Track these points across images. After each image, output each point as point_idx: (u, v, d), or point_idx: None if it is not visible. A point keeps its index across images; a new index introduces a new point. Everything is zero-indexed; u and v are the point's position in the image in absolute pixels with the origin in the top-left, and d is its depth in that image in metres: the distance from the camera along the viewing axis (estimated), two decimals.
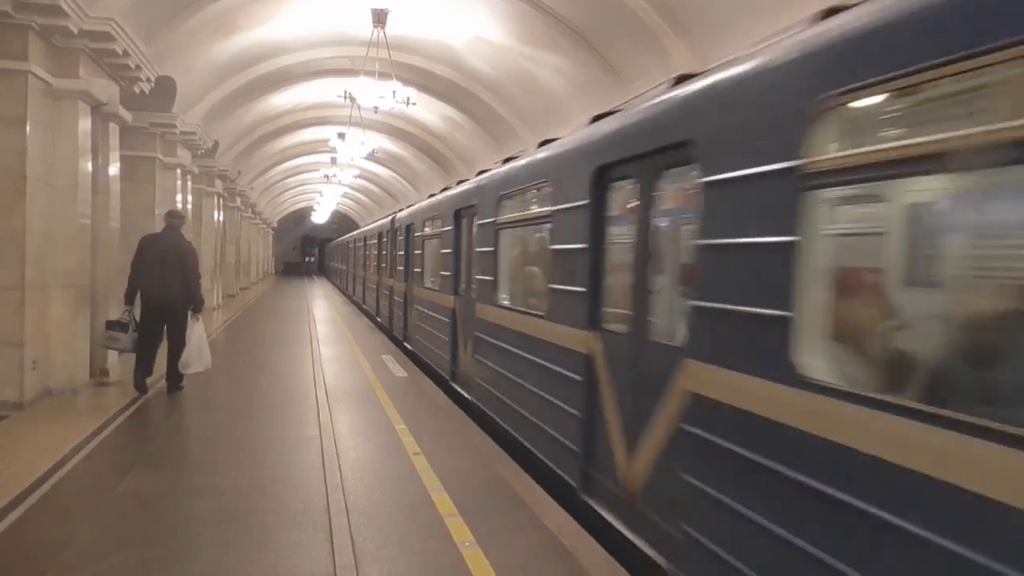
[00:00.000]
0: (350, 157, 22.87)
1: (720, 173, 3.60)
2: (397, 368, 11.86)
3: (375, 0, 12.34)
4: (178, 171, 15.41)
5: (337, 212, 54.23)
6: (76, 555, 4.42)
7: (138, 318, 8.96)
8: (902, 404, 2.50)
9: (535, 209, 7.00)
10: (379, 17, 12.72)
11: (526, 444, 6.67)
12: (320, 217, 53.82)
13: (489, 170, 9.10)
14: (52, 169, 8.62)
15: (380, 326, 18.92)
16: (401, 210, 17.29)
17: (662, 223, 4.67)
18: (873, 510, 2.53)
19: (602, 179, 5.18)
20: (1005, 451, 2.09)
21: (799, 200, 2.99)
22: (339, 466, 6.29)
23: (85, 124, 9.11)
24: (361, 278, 25.62)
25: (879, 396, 2.61)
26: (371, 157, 23.50)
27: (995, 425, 2.14)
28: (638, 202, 4.71)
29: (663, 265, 4.66)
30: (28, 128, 8.01)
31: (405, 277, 14.66)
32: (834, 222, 3.19)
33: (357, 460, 6.57)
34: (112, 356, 9.98)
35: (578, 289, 5.44)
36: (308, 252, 69.64)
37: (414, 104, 14.88)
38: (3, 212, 7.96)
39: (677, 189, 4.40)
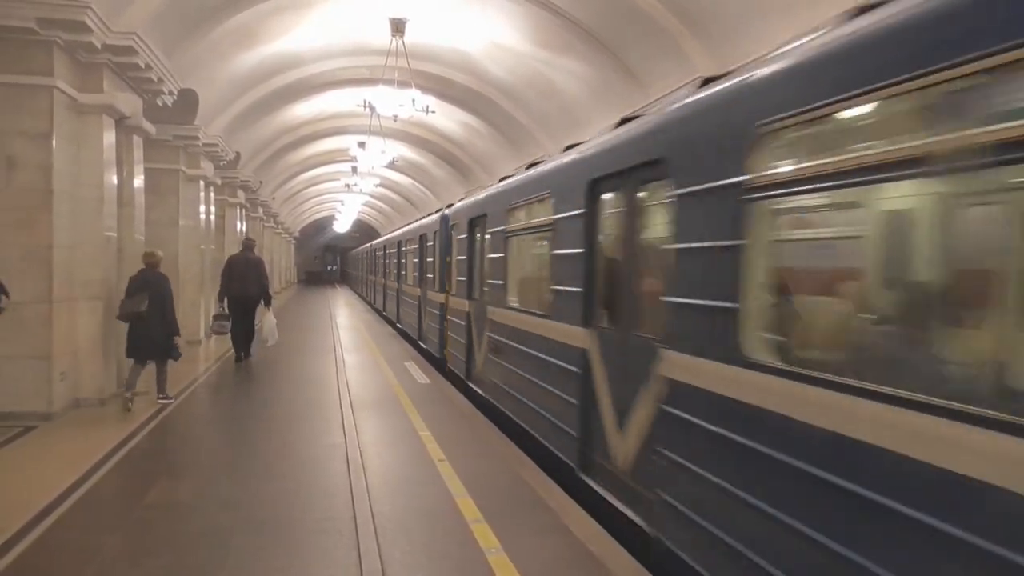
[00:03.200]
0: (370, 166, 22.95)
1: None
2: (420, 375, 11.88)
3: (393, 10, 12.41)
4: (201, 182, 15.57)
5: (359, 221, 54.56)
6: (105, 564, 4.46)
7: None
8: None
9: (460, 236, 11.38)
10: (397, 26, 12.80)
11: (455, 371, 11.58)
12: (342, 226, 54.17)
13: (452, 204, 13.30)
14: (77, 182, 8.74)
15: (387, 319, 23.34)
16: (400, 227, 23.07)
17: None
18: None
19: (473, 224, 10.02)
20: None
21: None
22: (364, 474, 6.30)
23: (109, 137, 9.23)
24: (373, 282, 31.37)
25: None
26: (391, 165, 23.58)
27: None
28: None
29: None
30: (54, 142, 8.14)
31: (397, 280, 19.60)
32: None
33: (382, 467, 6.58)
34: None
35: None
36: (330, 261, 70.12)
37: (433, 112, 14.93)
38: (30, 225, 8.09)
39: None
